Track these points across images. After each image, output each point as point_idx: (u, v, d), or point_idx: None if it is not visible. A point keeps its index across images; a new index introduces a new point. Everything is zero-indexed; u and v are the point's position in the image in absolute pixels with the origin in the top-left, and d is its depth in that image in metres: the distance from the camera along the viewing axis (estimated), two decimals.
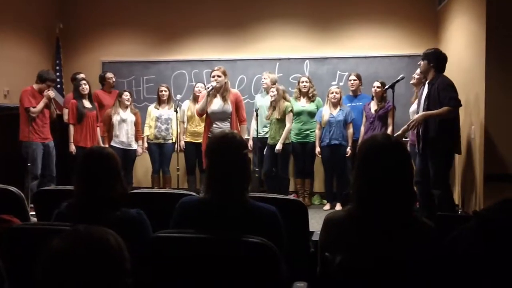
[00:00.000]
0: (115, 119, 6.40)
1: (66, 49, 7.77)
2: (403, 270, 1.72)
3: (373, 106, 6.05)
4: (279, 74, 7.19)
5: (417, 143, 4.75)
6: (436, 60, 4.61)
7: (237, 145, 2.12)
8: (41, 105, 5.80)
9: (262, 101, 6.55)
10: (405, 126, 4.69)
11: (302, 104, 6.42)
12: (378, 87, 6.02)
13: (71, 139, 6.15)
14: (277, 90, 6.20)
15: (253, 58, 7.32)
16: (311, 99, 6.42)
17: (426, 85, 4.67)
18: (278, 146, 6.16)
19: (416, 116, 4.68)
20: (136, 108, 6.77)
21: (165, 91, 6.65)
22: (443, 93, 4.45)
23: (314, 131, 6.35)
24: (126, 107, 6.48)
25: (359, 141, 6.04)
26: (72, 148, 6.12)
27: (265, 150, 6.35)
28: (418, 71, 5.45)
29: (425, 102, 4.61)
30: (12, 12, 6.93)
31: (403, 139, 5.46)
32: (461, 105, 4.53)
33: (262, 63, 7.24)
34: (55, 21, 7.65)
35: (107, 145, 6.18)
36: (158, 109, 6.64)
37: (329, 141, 6.17)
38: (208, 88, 5.15)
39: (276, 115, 6.19)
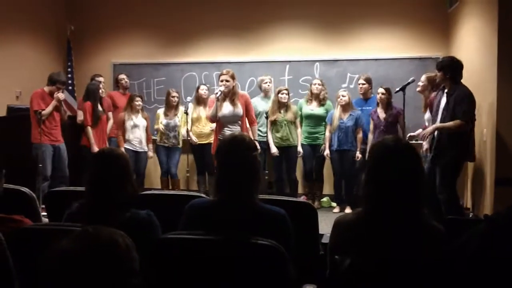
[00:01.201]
0: (129, 124, 6.45)
1: (77, 51, 7.83)
2: (412, 273, 1.71)
3: (381, 114, 6.00)
4: (289, 76, 7.19)
5: (429, 151, 4.73)
6: (452, 71, 4.55)
7: (246, 147, 2.13)
8: (50, 107, 5.84)
9: (264, 105, 6.47)
10: (421, 137, 4.71)
11: (311, 108, 6.39)
12: (383, 93, 5.95)
13: (93, 141, 6.13)
14: (288, 93, 6.22)
15: (263, 61, 7.32)
16: (321, 102, 6.40)
17: (445, 95, 4.62)
18: (300, 148, 6.24)
19: (429, 128, 4.65)
20: (146, 111, 6.81)
21: (177, 97, 6.66)
22: (458, 106, 4.43)
23: (323, 133, 6.34)
24: (138, 111, 6.53)
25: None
26: (96, 149, 6.07)
27: (274, 153, 6.31)
28: (422, 78, 5.42)
29: (443, 113, 4.57)
30: (24, 15, 6.99)
31: (413, 141, 5.45)
32: (473, 119, 4.50)
33: (272, 66, 7.24)
34: (66, 23, 7.71)
35: (122, 148, 6.24)
36: (167, 115, 6.64)
37: (338, 146, 6.15)
38: (217, 93, 5.13)
39: (289, 117, 6.18)
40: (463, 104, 4.42)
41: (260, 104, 6.47)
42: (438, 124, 4.56)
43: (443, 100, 4.62)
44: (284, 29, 7.33)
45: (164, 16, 7.62)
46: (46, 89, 5.93)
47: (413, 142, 5.61)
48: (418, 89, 5.55)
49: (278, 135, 6.25)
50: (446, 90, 4.62)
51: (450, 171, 4.49)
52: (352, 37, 7.15)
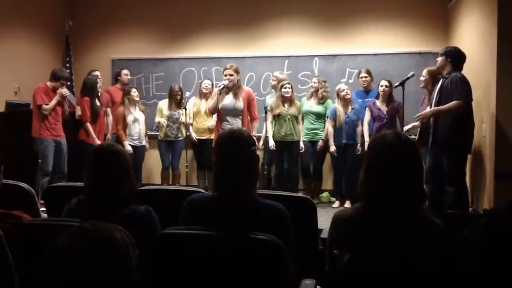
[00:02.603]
0: (129, 119, 6.44)
1: (76, 46, 7.82)
2: (411, 268, 1.71)
3: (382, 106, 5.99)
4: (288, 71, 7.18)
5: (429, 138, 4.72)
6: (454, 56, 4.57)
7: (244, 141, 2.12)
8: (53, 102, 5.84)
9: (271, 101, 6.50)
10: (415, 123, 4.67)
11: (310, 105, 6.40)
12: (386, 86, 5.97)
13: (94, 135, 6.12)
14: (292, 87, 6.21)
15: (262, 56, 7.31)
16: (320, 100, 6.38)
17: (441, 80, 4.64)
18: (302, 144, 6.20)
19: (425, 111, 4.65)
20: (144, 105, 6.80)
21: (179, 94, 6.62)
22: (455, 87, 4.42)
23: (322, 130, 6.33)
24: (135, 104, 6.52)
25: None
26: (98, 143, 6.04)
27: (273, 145, 6.29)
28: (424, 72, 5.40)
29: (437, 95, 4.58)
30: (22, 10, 6.97)
31: (411, 136, 5.46)
32: (471, 100, 4.49)
33: (271, 61, 7.24)
34: (64, 18, 7.69)
35: (126, 143, 6.28)
36: (171, 107, 6.61)
37: (343, 140, 6.15)
38: (220, 86, 5.16)
39: (293, 111, 6.17)
40: (459, 84, 4.42)
41: (269, 100, 6.52)
42: (436, 108, 4.54)
43: (439, 84, 4.63)
44: (283, 24, 7.32)
45: (163, 11, 7.60)
46: (49, 84, 5.92)
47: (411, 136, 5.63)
48: (421, 85, 5.54)
49: (282, 130, 6.22)
50: (443, 74, 4.63)
51: (459, 163, 4.49)
52: (352, 32, 7.14)
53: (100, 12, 7.79)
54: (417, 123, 5.26)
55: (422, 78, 5.42)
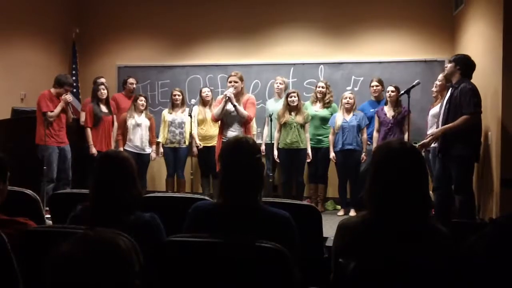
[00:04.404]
0: (130, 123, 6.46)
1: (82, 53, 7.86)
2: (417, 277, 1.70)
3: (389, 111, 6.00)
4: (294, 79, 7.19)
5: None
6: (463, 64, 4.57)
7: (250, 149, 2.12)
8: (58, 109, 5.86)
9: (275, 106, 6.51)
10: (425, 140, 4.63)
11: (316, 109, 6.40)
12: (392, 91, 5.97)
13: (91, 142, 6.18)
14: (298, 95, 6.20)
15: (268, 63, 7.33)
16: (326, 105, 6.40)
17: (450, 89, 4.64)
18: (309, 151, 6.20)
19: (435, 130, 4.64)
20: (151, 113, 6.82)
21: (179, 95, 6.69)
22: (464, 98, 4.41)
23: (327, 136, 6.33)
24: (141, 111, 6.53)
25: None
26: (93, 150, 6.14)
27: (276, 155, 6.29)
28: (440, 77, 5.41)
29: (446, 105, 4.57)
30: (29, 18, 7.02)
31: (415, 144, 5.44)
32: (479, 112, 4.47)
33: (277, 68, 7.25)
34: (71, 25, 7.74)
35: (121, 149, 6.24)
36: (171, 113, 6.68)
37: (342, 146, 6.15)
38: (226, 94, 5.17)
39: (299, 119, 6.16)
40: (468, 96, 4.40)
41: (272, 106, 6.51)
42: (443, 126, 4.54)
43: (448, 93, 4.64)
44: (289, 31, 7.34)
45: (169, 19, 7.64)
46: (53, 91, 5.95)
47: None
48: (435, 88, 5.55)
49: (288, 138, 6.22)
50: (453, 83, 4.62)
51: (465, 171, 4.47)
52: (357, 40, 7.14)
53: (107, 19, 7.84)
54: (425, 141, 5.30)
55: (438, 83, 5.47)
